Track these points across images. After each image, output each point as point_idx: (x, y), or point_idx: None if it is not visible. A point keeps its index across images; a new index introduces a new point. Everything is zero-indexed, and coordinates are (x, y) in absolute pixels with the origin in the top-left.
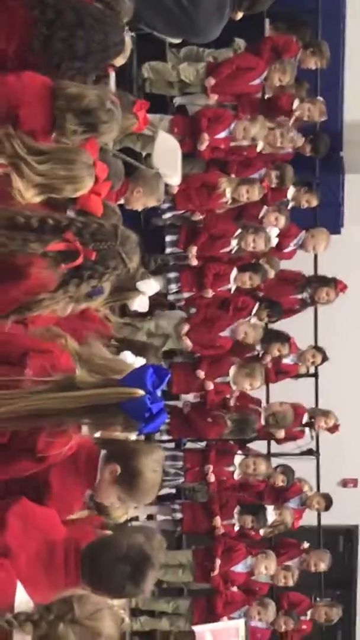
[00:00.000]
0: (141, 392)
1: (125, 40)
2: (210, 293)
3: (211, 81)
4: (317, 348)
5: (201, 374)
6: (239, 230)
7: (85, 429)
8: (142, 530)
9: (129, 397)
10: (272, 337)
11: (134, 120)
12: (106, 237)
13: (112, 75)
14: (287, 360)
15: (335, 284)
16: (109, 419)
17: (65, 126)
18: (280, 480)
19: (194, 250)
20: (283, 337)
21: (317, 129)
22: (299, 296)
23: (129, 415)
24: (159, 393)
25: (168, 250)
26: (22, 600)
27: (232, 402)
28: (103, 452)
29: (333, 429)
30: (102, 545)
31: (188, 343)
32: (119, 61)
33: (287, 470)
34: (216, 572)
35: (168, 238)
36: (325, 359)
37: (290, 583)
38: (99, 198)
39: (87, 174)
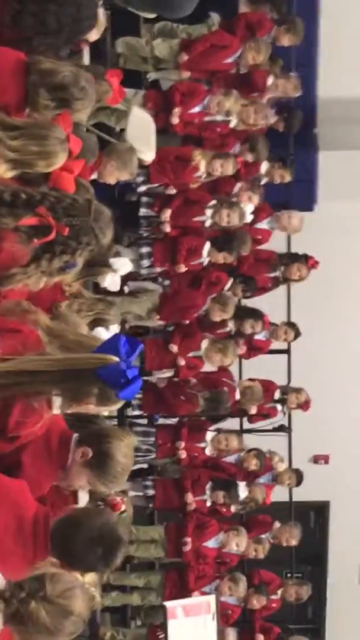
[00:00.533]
0: (116, 358)
1: (98, 15)
2: (183, 268)
3: (184, 57)
4: (290, 324)
5: (174, 347)
6: (214, 202)
7: (58, 403)
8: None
9: (104, 362)
10: (246, 313)
11: (107, 87)
12: (79, 213)
13: (86, 50)
14: (259, 337)
15: (306, 260)
16: (85, 387)
17: (38, 101)
18: (253, 464)
19: (167, 213)
20: (256, 314)
21: (291, 105)
22: (272, 274)
23: (105, 381)
24: (132, 361)
25: (142, 211)
26: None
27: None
28: (75, 435)
29: (304, 405)
30: (74, 525)
31: (159, 323)
32: (93, 36)
33: (260, 455)
34: (188, 547)
35: (144, 199)
36: (298, 334)
37: (261, 555)
38: (71, 176)
39: (60, 149)
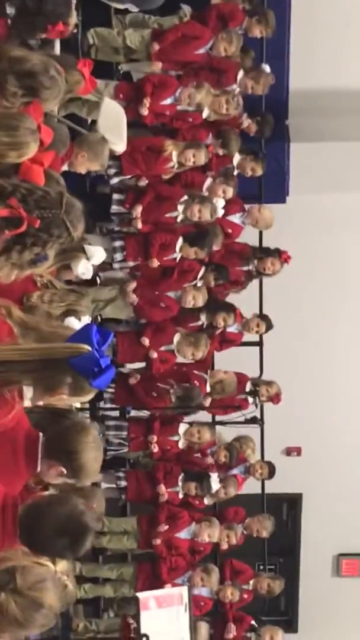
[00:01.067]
0: (88, 347)
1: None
2: (155, 263)
3: (155, 47)
4: (261, 316)
5: (146, 341)
6: (185, 197)
7: (30, 394)
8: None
9: (77, 351)
10: (218, 306)
11: (79, 77)
12: (51, 205)
13: (57, 41)
14: (231, 329)
15: (280, 254)
16: (58, 377)
17: (6, 87)
18: (222, 456)
19: (139, 210)
20: (229, 307)
21: (262, 99)
22: (245, 268)
23: (78, 370)
24: (104, 350)
25: (114, 208)
26: None
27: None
28: (42, 438)
29: (275, 398)
30: (40, 513)
31: (134, 297)
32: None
33: (230, 447)
34: (159, 540)
35: (115, 196)
36: (269, 327)
37: (234, 541)
38: (41, 168)
39: (31, 139)
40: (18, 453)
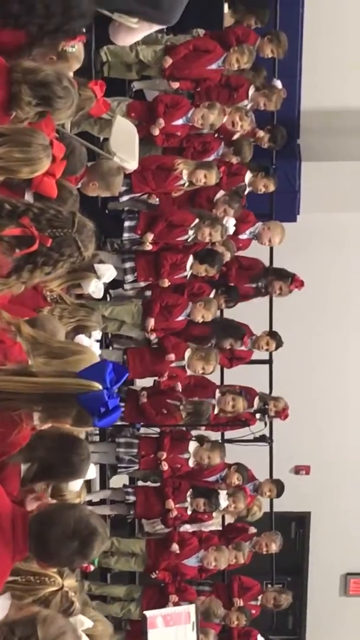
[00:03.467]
0: (99, 386)
1: (90, 7)
2: (166, 283)
3: (168, 60)
4: (271, 334)
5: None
6: (196, 221)
7: (37, 416)
8: None
9: (87, 389)
10: (228, 332)
11: (90, 94)
12: (63, 224)
13: None
14: (241, 348)
15: (292, 280)
16: (63, 410)
17: (21, 97)
18: (235, 479)
19: (150, 237)
20: (238, 333)
21: (274, 117)
22: (254, 285)
23: (85, 408)
24: (115, 390)
25: (125, 235)
26: None
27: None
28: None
29: (282, 413)
30: (49, 521)
31: (152, 337)
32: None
33: (241, 469)
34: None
35: (126, 223)
36: (279, 345)
37: (242, 561)
38: (53, 180)
39: (44, 155)
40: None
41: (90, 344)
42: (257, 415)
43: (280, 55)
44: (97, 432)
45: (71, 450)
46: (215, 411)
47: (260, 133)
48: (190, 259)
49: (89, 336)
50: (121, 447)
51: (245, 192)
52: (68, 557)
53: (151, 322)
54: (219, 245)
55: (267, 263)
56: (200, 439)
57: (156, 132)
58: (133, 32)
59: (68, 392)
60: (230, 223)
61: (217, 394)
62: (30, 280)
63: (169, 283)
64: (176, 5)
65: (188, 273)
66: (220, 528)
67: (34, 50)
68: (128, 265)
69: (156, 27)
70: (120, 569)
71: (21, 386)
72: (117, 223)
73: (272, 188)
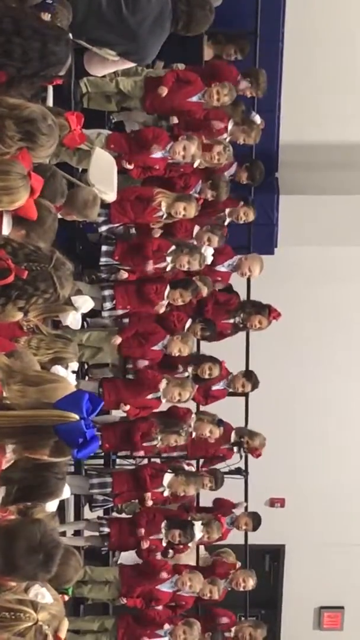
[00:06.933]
0: (76, 416)
1: (68, 53)
2: (162, 309)
3: (164, 90)
4: (247, 376)
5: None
6: (173, 247)
7: (11, 448)
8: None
9: (64, 420)
10: (204, 358)
11: (64, 122)
12: (40, 259)
13: (50, 90)
14: (217, 386)
15: (269, 312)
16: (41, 441)
17: (4, 131)
18: (208, 481)
19: (124, 275)
20: (214, 358)
21: (253, 150)
22: (232, 320)
23: (63, 439)
24: (91, 420)
25: (103, 260)
26: None
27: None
28: None
29: (254, 451)
30: (14, 535)
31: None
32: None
33: (214, 472)
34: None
35: (104, 248)
36: (255, 386)
37: (216, 596)
38: (31, 202)
39: (21, 184)
40: None
41: (67, 374)
42: (234, 448)
43: (259, 95)
44: (72, 462)
45: (49, 470)
46: (193, 435)
47: (241, 174)
48: (168, 289)
49: (66, 367)
50: (95, 488)
51: (226, 223)
52: (32, 570)
53: (118, 340)
54: (197, 279)
55: (244, 296)
56: (176, 470)
57: (128, 165)
58: (107, 64)
59: (45, 424)
60: (208, 252)
61: (193, 418)
62: (2, 312)
63: (164, 309)
64: (153, 41)
65: (165, 302)
66: (194, 563)
67: (12, 91)
68: (107, 292)
69: (130, 64)
70: (94, 597)
71: (1, 420)
72: (95, 253)
73: (252, 217)
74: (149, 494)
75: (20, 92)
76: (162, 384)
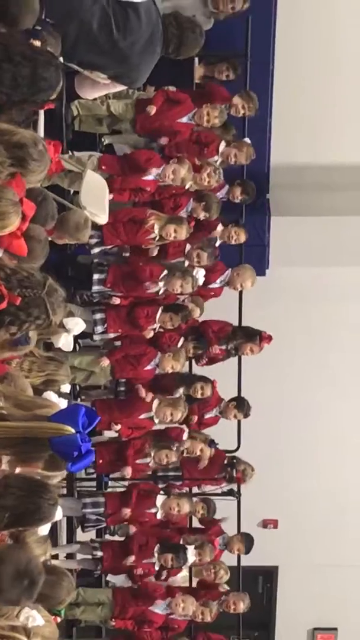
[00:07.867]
0: (72, 430)
1: (59, 78)
2: (150, 334)
3: (153, 108)
4: (239, 407)
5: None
6: (165, 272)
7: (7, 459)
8: None
9: (60, 433)
10: (195, 378)
11: None
12: (33, 285)
13: (41, 113)
14: (210, 414)
15: (260, 339)
16: (35, 454)
17: None
18: (200, 508)
19: (117, 300)
20: (205, 378)
21: (243, 171)
22: (224, 347)
23: (58, 452)
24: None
25: (95, 288)
26: None
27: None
28: None
29: (239, 478)
30: (3, 559)
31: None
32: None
33: (207, 501)
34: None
35: (95, 276)
36: (247, 415)
37: (208, 619)
38: (22, 240)
39: (12, 211)
40: None
41: (58, 401)
42: (228, 469)
43: (251, 113)
44: (64, 485)
45: (40, 496)
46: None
47: (234, 190)
48: (160, 312)
49: (58, 389)
50: (87, 508)
51: (217, 244)
52: (16, 595)
53: (105, 361)
54: (188, 301)
55: (237, 315)
56: (168, 492)
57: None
58: (98, 87)
59: (40, 436)
60: (200, 274)
61: (185, 435)
62: None
63: (152, 334)
64: (144, 64)
65: (156, 325)
66: (187, 584)
67: (2, 117)
68: (98, 316)
69: (121, 87)
70: (87, 619)
71: None
72: (87, 275)
73: (243, 238)
74: (128, 512)
75: (11, 117)
76: (154, 404)
